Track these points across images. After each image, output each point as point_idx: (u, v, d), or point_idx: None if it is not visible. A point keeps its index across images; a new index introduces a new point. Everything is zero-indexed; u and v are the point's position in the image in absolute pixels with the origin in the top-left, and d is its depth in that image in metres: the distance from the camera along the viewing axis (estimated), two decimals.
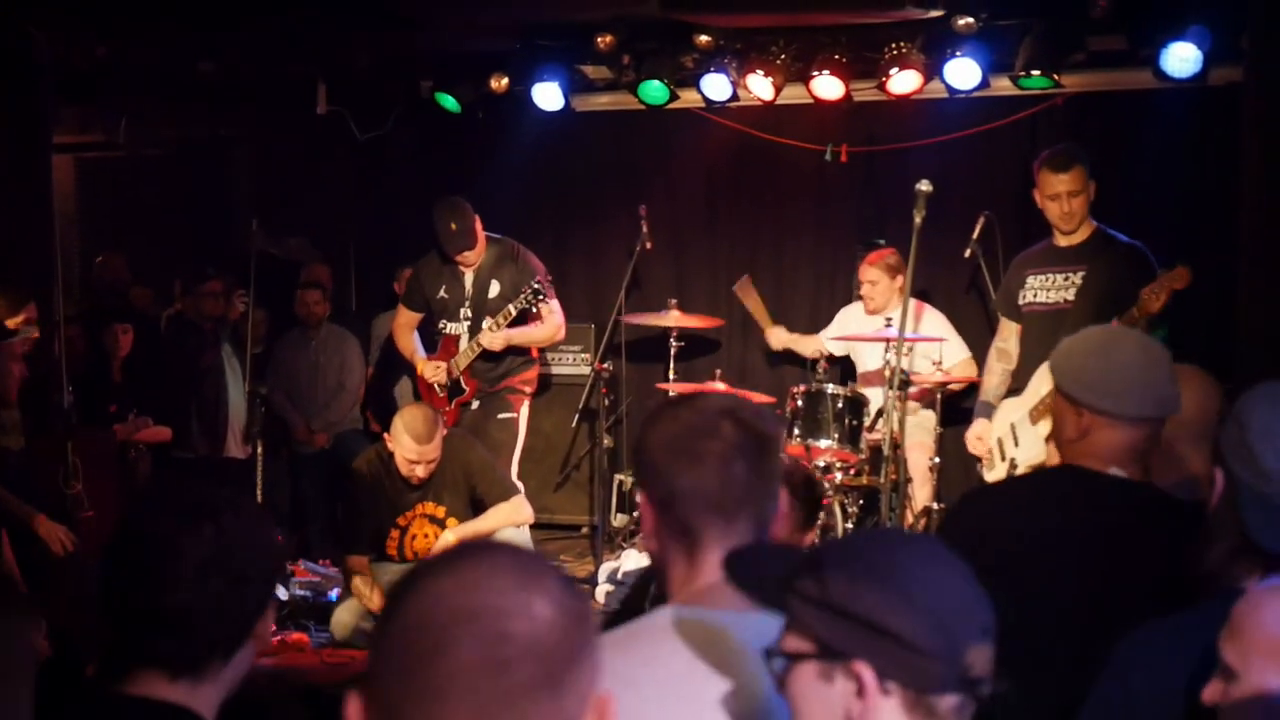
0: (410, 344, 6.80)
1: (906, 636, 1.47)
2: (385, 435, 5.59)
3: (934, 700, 1.49)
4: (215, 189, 9.68)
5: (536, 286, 6.22)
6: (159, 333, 7.69)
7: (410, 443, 5.37)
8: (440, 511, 5.63)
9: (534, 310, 6.35)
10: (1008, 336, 5.57)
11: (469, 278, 6.46)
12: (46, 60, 6.81)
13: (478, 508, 5.70)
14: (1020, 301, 5.46)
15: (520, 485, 6.00)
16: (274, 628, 1.97)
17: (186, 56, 7.63)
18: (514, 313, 6.31)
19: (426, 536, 5.62)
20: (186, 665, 1.84)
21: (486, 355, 6.46)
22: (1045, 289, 5.40)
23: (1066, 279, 5.33)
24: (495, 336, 6.31)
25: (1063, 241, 5.40)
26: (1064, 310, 5.24)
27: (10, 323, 5.44)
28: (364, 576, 5.59)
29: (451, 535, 5.53)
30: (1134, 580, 2.45)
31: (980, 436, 5.37)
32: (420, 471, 5.47)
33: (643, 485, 1.97)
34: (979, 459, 5.42)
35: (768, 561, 1.72)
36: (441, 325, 6.62)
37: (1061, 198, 5.27)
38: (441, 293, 6.54)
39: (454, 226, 6.35)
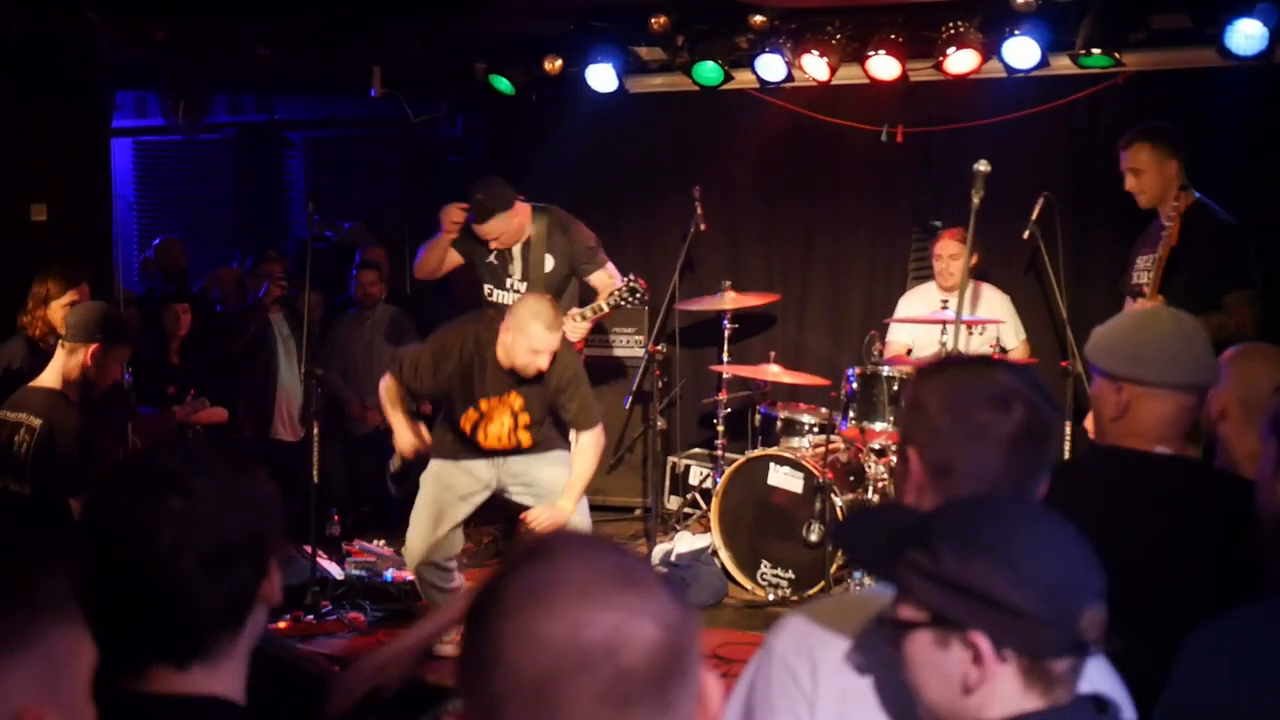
0: (440, 257, 6.49)
1: (1021, 607, 1.49)
2: (479, 324, 5.41)
3: (1049, 665, 1.52)
4: (271, 173, 9.77)
5: (634, 286, 6.07)
6: (214, 315, 7.76)
7: (541, 330, 5.09)
8: (519, 405, 5.37)
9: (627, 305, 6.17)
10: None
11: (517, 249, 6.33)
12: (106, 45, 6.88)
13: (556, 420, 5.51)
14: (1133, 282, 5.43)
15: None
16: (278, 586, 1.74)
17: (243, 41, 7.68)
18: (606, 309, 6.16)
19: (502, 425, 5.38)
20: (190, 652, 1.67)
21: None
22: (1144, 269, 5.34)
23: (1154, 260, 5.27)
24: (579, 327, 6.16)
25: (1165, 220, 5.35)
26: (1143, 292, 5.16)
27: (59, 302, 5.49)
28: (398, 406, 5.52)
29: (569, 505, 5.31)
30: (1190, 559, 2.42)
31: None
32: (543, 361, 5.17)
33: (914, 443, 1.90)
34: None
35: (877, 529, 1.73)
36: (489, 292, 6.40)
37: (1127, 174, 5.23)
38: (491, 258, 6.32)
39: (478, 196, 6.10)
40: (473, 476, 5.50)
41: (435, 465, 5.52)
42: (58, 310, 5.46)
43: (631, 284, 6.08)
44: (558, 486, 5.42)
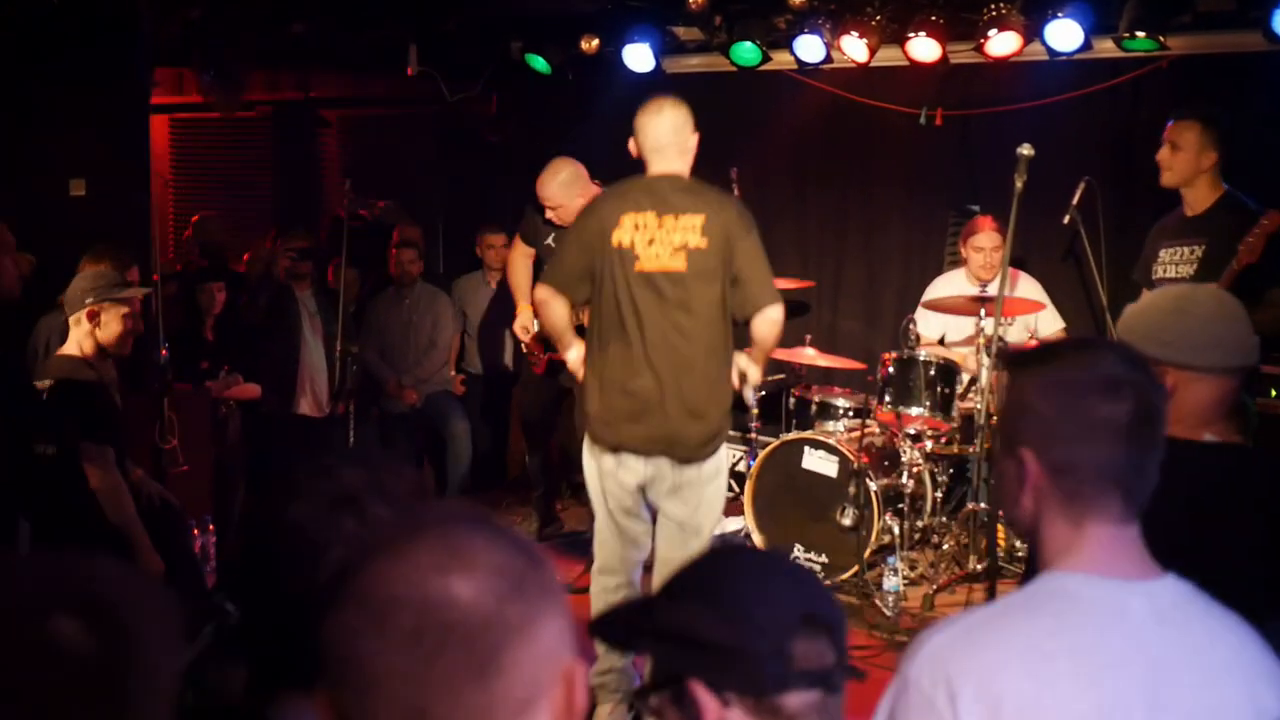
0: (520, 280, 6.47)
1: (725, 642, 1.45)
2: None
3: (778, 701, 1.46)
4: (307, 150, 9.78)
5: None
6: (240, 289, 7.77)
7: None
8: None
9: None
10: None
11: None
12: (145, 22, 6.89)
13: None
14: (1153, 275, 5.36)
15: None
16: None
17: (279, 18, 7.68)
18: None
19: None
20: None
21: None
22: (1173, 263, 5.28)
23: (1191, 251, 5.21)
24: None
25: (1189, 211, 5.28)
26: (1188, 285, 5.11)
27: None
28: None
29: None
30: (1244, 547, 2.38)
31: None
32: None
33: (1028, 444, 1.85)
34: None
35: (628, 609, 1.70)
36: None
37: (1164, 145, 5.18)
38: (549, 240, 6.29)
39: (546, 175, 6.08)
40: None
41: None
42: None
43: None
44: None
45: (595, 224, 4.55)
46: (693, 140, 4.71)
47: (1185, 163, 5.17)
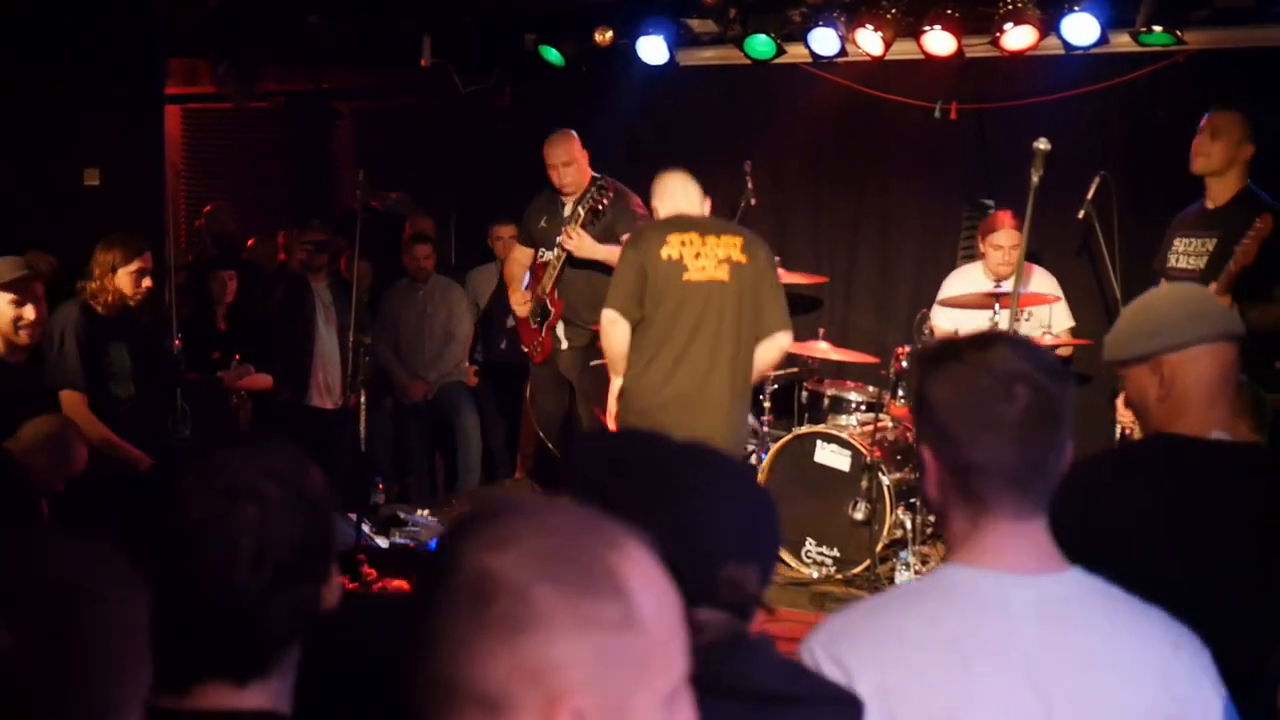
0: (515, 273, 6.91)
1: (660, 548, 1.43)
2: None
3: (692, 612, 1.43)
4: (320, 142, 9.78)
5: (602, 183, 6.28)
6: (255, 280, 7.78)
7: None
8: None
9: (600, 207, 6.31)
10: None
11: (568, 209, 6.45)
12: (159, 13, 6.90)
13: None
14: (1167, 265, 5.35)
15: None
16: (341, 582, 1.56)
17: (293, 10, 7.68)
18: (582, 214, 6.29)
19: None
20: (253, 668, 1.56)
21: (578, 281, 6.43)
22: (1186, 254, 5.27)
23: (1203, 244, 5.20)
24: (578, 241, 6.25)
25: (1211, 203, 5.27)
26: (1193, 277, 5.08)
27: (125, 270, 5.50)
28: None
29: None
30: (1254, 550, 2.35)
31: None
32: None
33: (928, 442, 1.89)
34: (1124, 432, 5.28)
35: (600, 451, 1.78)
36: (540, 254, 6.65)
37: (1202, 132, 5.18)
38: (543, 222, 6.59)
39: (553, 140, 6.47)
40: None
41: None
42: (125, 278, 5.48)
43: (599, 181, 6.30)
44: None
45: (645, 245, 5.16)
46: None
47: (1223, 151, 5.16)
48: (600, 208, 6.27)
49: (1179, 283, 2.65)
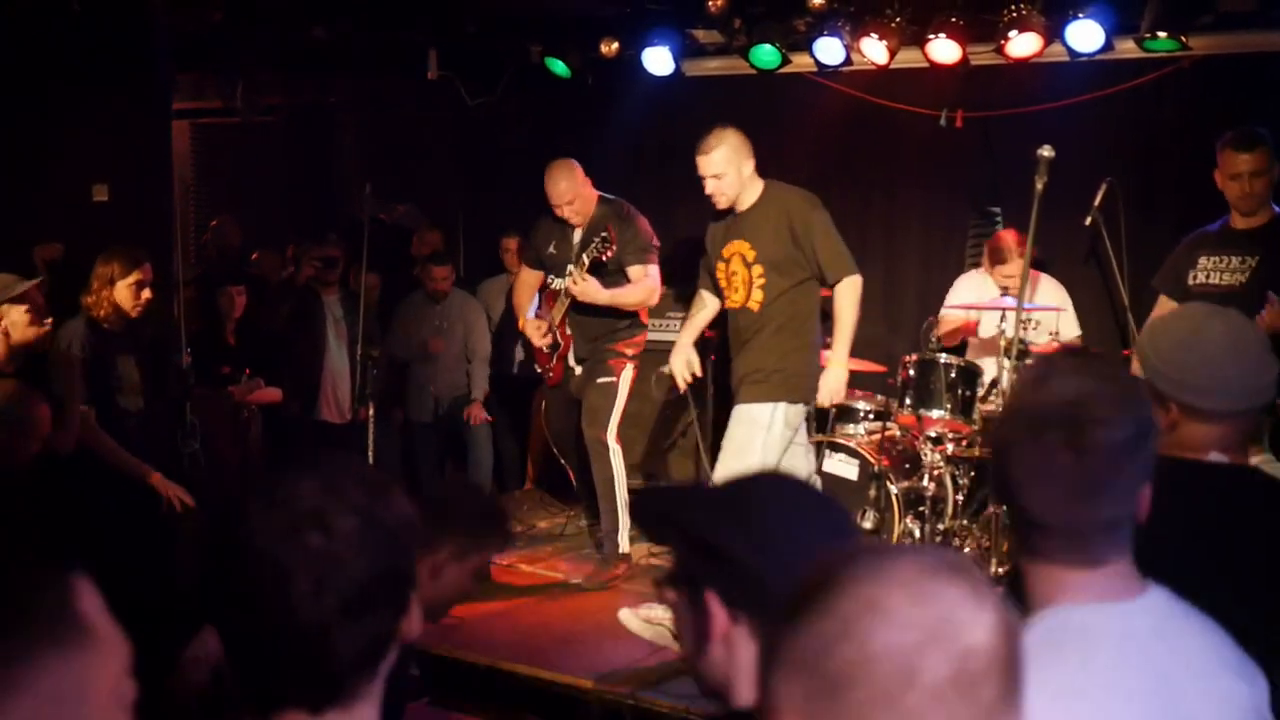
0: (523, 301, 6.83)
1: (749, 566, 1.49)
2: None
3: None
4: (326, 154, 9.79)
5: (605, 235, 6.19)
6: (265, 296, 7.79)
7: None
8: (751, 254, 5.77)
9: (604, 259, 6.24)
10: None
11: (577, 235, 6.42)
12: (165, 26, 6.92)
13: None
14: (1190, 281, 5.33)
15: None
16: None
17: (300, 23, 7.70)
18: (587, 261, 6.24)
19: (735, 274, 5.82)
20: (327, 697, 1.53)
21: (586, 311, 6.42)
22: (1219, 270, 5.26)
23: (1242, 261, 5.20)
24: (584, 287, 6.22)
25: (1240, 224, 5.27)
26: (1236, 293, 5.07)
27: (124, 283, 5.53)
28: None
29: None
30: (1251, 571, 2.33)
31: None
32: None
33: (1002, 497, 1.86)
34: None
35: (668, 498, 1.79)
36: (550, 281, 6.63)
37: (1244, 178, 5.17)
38: (551, 249, 6.53)
39: (553, 175, 6.35)
40: None
41: None
42: (123, 291, 5.51)
43: (603, 234, 6.23)
44: None
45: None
46: None
47: (1266, 185, 5.22)
48: (604, 259, 6.23)
49: (1237, 330, 2.48)
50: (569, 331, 6.57)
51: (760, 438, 5.58)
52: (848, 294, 5.74)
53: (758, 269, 5.69)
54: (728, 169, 5.65)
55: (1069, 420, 1.75)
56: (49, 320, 5.04)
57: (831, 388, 5.67)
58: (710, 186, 5.68)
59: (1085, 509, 1.77)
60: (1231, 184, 5.20)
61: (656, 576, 1.59)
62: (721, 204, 5.77)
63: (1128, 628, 1.77)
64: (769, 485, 1.64)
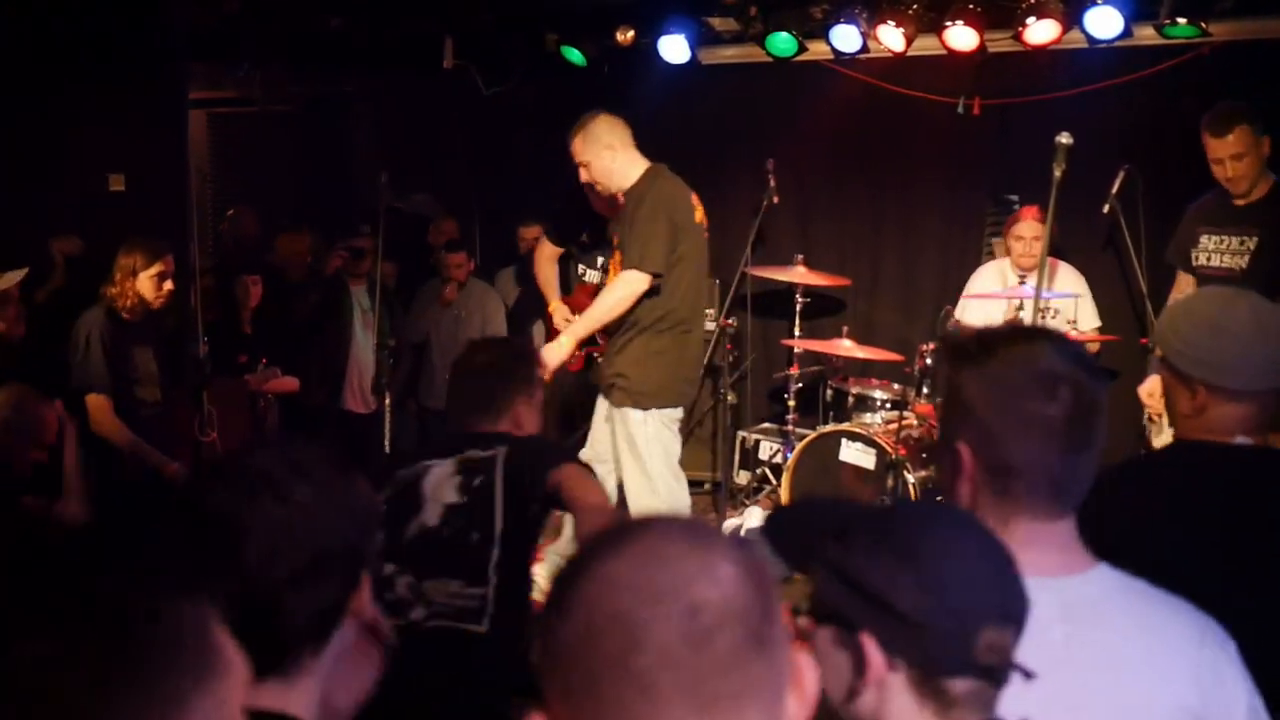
0: (548, 275, 6.33)
1: (915, 615, 1.42)
2: None
3: (944, 683, 1.44)
4: (342, 144, 9.80)
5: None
6: (285, 285, 7.80)
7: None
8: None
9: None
10: (1185, 289, 5.39)
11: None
12: (181, 16, 6.93)
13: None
14: (1193, 261, 5.29)
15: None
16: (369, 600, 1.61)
17: (316, 12, 7.70)
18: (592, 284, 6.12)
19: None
20: (269, 666, 1.52)
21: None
22: (1219, 251, 5.21)
23: (1241, 242, 5.15)
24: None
25: (1238, 200, 5.22)
26: (1236, 278, 5.04)
27: (146, 274, 5.54)
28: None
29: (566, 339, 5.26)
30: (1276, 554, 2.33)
31: (1153, 393, 5.17)
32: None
33: (964, 440, 1.84)
34: (1149, 419, 5.25)
35: (805, 520, 1.70)
36: (581, 271, 6.57)
37: (1225, 162, 5.11)
38: (584, 236, 6.39)
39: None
40: None
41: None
42: (145, 282, 5.53)
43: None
44: None
45: (679, 206, 5.19)
46: None
47: (1251, 164, 5.12)
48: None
49: (1262, 313, 2.48)
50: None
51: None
52: (620, 284, 5.16)
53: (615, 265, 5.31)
54: (589, 156, 5.25)
55: (1061, 377, 1.79)
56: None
57: (546, 358, 5.02)
58: (582, 175, 5.32)
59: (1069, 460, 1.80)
60: (1215, 168, 5.16)
61: (795, 604, 1.54)
62: (601, 192, 5.38)
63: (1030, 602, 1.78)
64: (940, 526, 1.53)
